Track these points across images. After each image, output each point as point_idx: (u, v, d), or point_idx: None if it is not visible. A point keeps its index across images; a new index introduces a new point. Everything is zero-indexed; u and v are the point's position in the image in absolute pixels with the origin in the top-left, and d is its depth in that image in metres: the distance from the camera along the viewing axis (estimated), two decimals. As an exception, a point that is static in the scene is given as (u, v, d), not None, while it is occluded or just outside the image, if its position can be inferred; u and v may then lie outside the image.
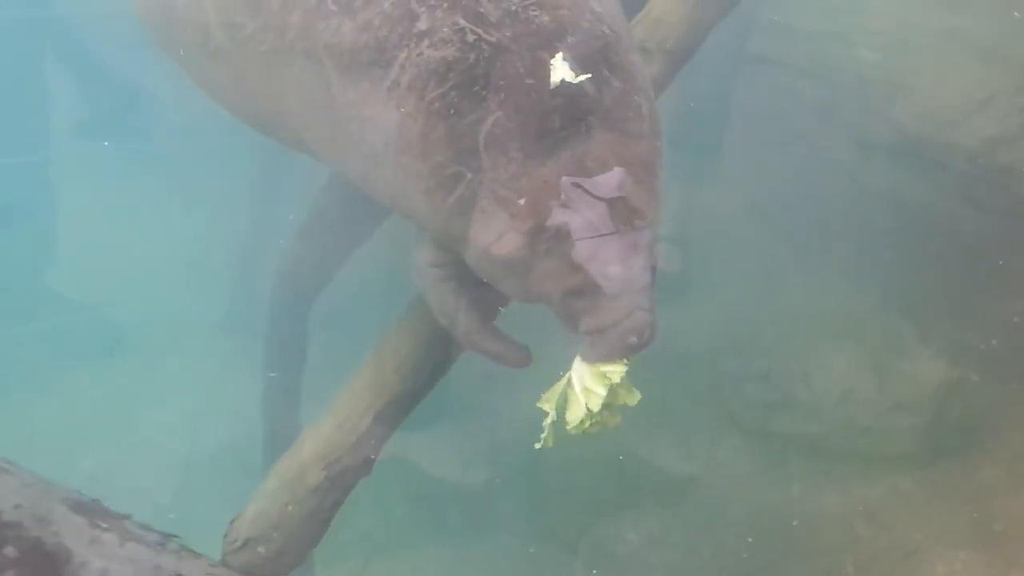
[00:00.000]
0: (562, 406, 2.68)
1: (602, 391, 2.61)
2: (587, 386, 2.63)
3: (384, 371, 3.21)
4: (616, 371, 2.61)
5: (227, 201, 5.00)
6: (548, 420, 2.69)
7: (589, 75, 2.56)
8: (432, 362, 3.21)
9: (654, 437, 4.36)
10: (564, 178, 2.51)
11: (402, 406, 3.22)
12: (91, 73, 5.41)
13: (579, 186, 2.52)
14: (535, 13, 2.61)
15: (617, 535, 4.13)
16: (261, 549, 3.09)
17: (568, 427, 2.68)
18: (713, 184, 4.59)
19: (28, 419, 4.61)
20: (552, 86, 2.55)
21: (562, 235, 2.52)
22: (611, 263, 2.53)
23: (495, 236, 2.59)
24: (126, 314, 4.99)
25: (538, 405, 2.71)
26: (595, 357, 2.62)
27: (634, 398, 2.67)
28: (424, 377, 3.22)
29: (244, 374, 4.43)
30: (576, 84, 2.56)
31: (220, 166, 4.94)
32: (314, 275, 4.28)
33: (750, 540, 4.03)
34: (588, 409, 2.62)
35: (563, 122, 2.54)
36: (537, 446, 2.71)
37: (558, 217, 2.52)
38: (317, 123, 3.00)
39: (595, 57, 2.62)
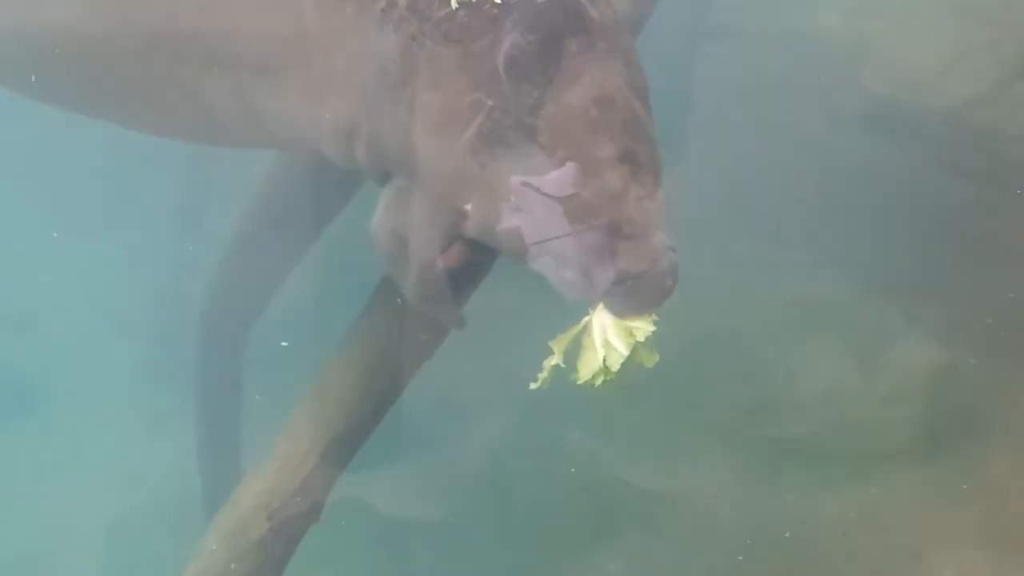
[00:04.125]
0: (573, 353, 2.66)
1: (624, 350, 2.59)
2: (609, 341, 2.60)
3: (326, 406, 3.19)
4: (644, 328, 2.59)
5: (146, 228, 4.90)
6: (552, 362, 2.67)
7: None
8: (377, 392, 3.19)
9: (630, 453, 4.33)
10: (587, 111, 2.48)
11: (349, 443, 3.20)
12: None
13: (601, 118, 2.50)
14: None
15: (596, 565, 4.12)
16: (202, 616, 3.05)
17: (577, 379, 2.67)
18: (677, 170, 4.62)
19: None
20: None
21: (593, 170, 2.48)
22: (643, 197, 2.51)
23: (526, 171, 2.50)
24: (34, 366, 4.86)
25: (549, 343, 2.69)
26: (631, 307, 2.58)
27: (653, 359, 2.65)
28: (370, 409, 3.19)
29: (175, 422, 4.37)
30: (579, 4, 2.55)
31: (134, 186, 4.89)
32: (248, 300, 4.23)
33: (741, 559, 4.02)
34: (605, 366, 2.61)
35: (579, 47, 2.52)
36: (533, 386, 2.69)
37: (588, 150, 2.48)
38: (280, 66, 2.87)
39: None
